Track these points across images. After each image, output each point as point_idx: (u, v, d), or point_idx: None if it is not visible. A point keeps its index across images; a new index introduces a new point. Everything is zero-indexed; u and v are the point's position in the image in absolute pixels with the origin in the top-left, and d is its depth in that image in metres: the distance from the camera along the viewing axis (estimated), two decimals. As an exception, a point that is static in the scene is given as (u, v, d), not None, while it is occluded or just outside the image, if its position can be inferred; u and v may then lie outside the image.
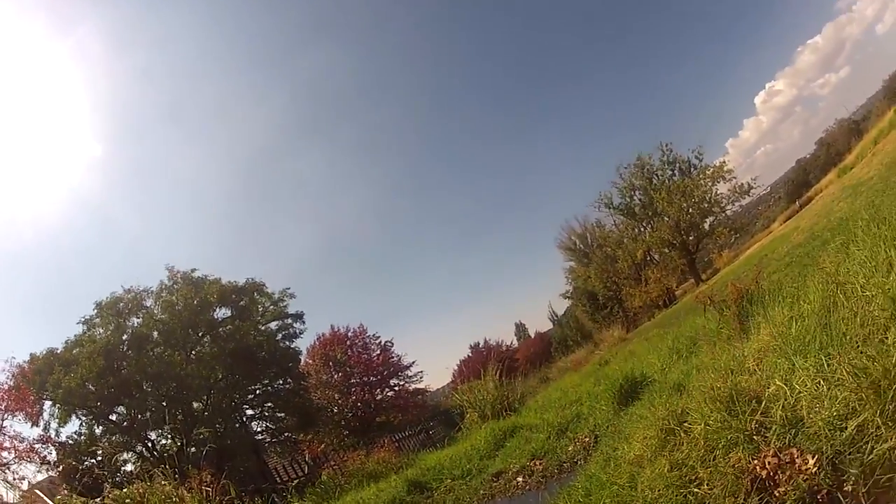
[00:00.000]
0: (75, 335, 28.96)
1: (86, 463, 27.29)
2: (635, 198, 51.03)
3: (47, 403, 27.69)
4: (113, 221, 77.69)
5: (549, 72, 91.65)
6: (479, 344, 59.72)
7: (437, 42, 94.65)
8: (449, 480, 13.59)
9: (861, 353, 5.29)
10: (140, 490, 10.75)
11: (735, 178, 48.05)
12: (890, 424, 4.44)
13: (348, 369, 44.71)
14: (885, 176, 18.49)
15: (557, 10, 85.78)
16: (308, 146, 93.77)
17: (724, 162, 48.76)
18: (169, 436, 29.30)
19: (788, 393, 5.75)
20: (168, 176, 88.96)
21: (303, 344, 38.76)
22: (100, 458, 28.30)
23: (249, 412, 34.99)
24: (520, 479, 12.09)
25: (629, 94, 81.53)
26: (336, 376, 44.41)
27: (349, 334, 46.24)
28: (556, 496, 8.79)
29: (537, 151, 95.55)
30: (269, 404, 34.85)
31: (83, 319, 29.48)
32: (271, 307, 34.89)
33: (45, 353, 27.96)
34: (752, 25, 61.97)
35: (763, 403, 5.90)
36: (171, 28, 78.40)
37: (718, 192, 47.92)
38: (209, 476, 11.63)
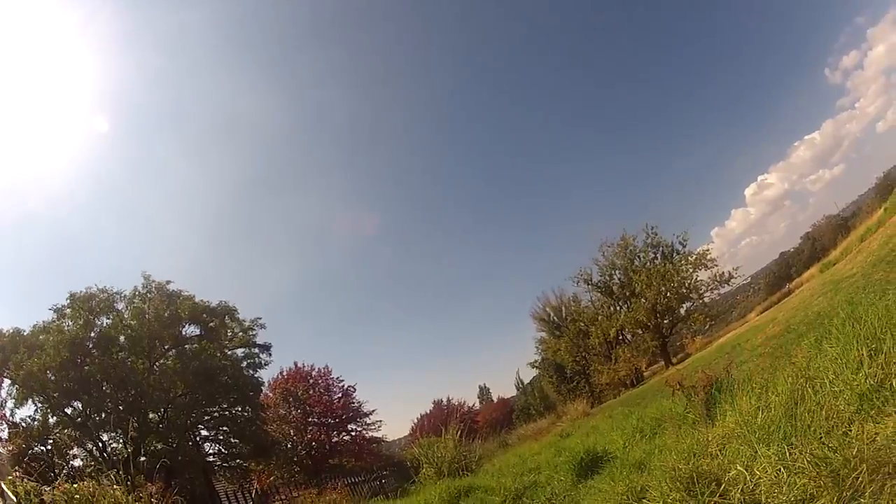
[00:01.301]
0: (44, 321, 28.91)
1: (35, 449, 26.98)
2: (615, 277, 51.25)
3: (7, 381, 27.48)
4: (100, 215, 77.29)
5: (548, 147, 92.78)
6: (442, 401, 59.62)
7: (437, 109, 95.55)
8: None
9: (823, 443, 5.40)
10: (90, 489, 10.58)
11: (717, 266, 48.53)
12: (847, 510, 4.54)
13: (308, 408, 44.53)
14: (868, 273, 18.73)
15: (562, 88, 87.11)
16: (304, 184, 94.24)
17: (708, 250, 48.98)
18: (121, 441, 28.63)
19: (748, 478, 5.83)
20: (161, 180, 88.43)
21: (266, 375, 38.86)
22: (50, 448, 27.96)
23: (204, 433, 34.60)
24: None
25: (621, 177, 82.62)
26: (294, 413, 44.21)
27: (313, 373, 46.24)
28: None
29: (523, 224, 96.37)
30: (225, 429, 34.36)
31: (55, 307, 29.31)
32: (240, 333, 34.90)
33: (11, 331, 27.92)
34: (754, 120, 63.34)
35: (722, 486, 5.96)
36: (188, 29, 78.21)
37: (699, 278, 48.18)
38: (159, 489, 11.48)
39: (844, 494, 4.61)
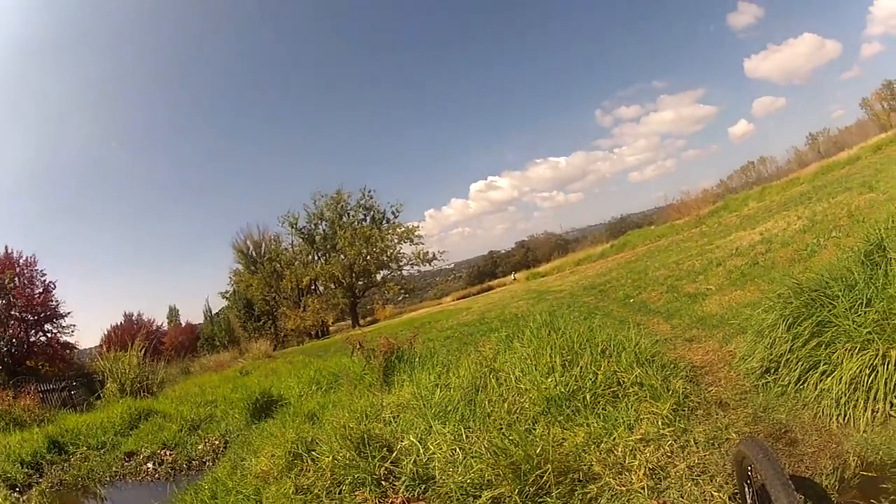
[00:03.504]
0: None
1: None
2: (320, 227, 50.82)
3: None
4: None
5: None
6: (133, 315, 56.16)
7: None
8: (85, 448, 13.25)
9: (504, 435, 5.87)
10: None
11: (423, 244, 50.13)
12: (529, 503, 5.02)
13: (12, 299, 39.50)
14: (577, 294, 20.10)
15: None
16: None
17: (418, 227, 50.55)
18: None
19: (422, 451, 6.23)
20: None
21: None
22: None
23: None
24: (150, 465, 12.09)
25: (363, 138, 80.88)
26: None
27: (21, 261, 40.96)
28: (184, 491, 8.72)
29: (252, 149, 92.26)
30: None
31: None
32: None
33: None
34: (508, 128, 64.43)
35: (394, 454, 6.31)
36: None
37: (402, 250, 49.74)
38: None
39: (527, 489, 5.05)
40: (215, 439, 12.51)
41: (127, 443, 13.45)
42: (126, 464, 12.36)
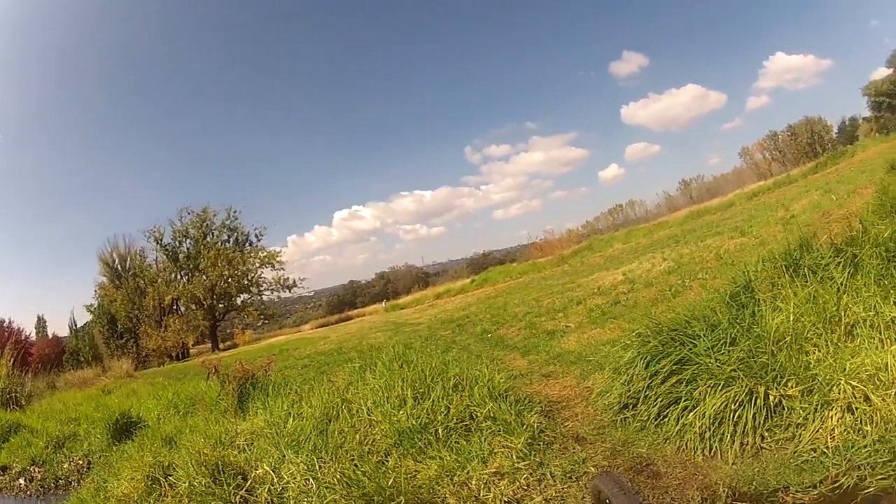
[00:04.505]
0: None
1: None
2: (185, 245, 49.83)
3: None
4: None
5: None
6: (3, 322, 52.62)
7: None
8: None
9: (356, 466, 5.86)
10: None
11: (284, 270, 49.84)
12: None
13: None
14: (435, 328, 20.15)
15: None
16: None
17: (280, 252, 50.28)
18: None
19: (276, 480, 6.14)
20: None
21: None
22: None
23: None
24: (21, 481, 12.39)
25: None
26: None
27: None
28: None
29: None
30: None
31: None
32: None
33: None
34: (378, 158, 63.88)
35: (249, 482, 6.19)
36: None
37: (263, 275, 49.21)
38: None
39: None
40: (79, 459, 12.40)
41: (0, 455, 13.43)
42: (0, 477, 12.59)
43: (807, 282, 6.56)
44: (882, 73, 45.99)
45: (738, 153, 52.21)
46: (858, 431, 4.90)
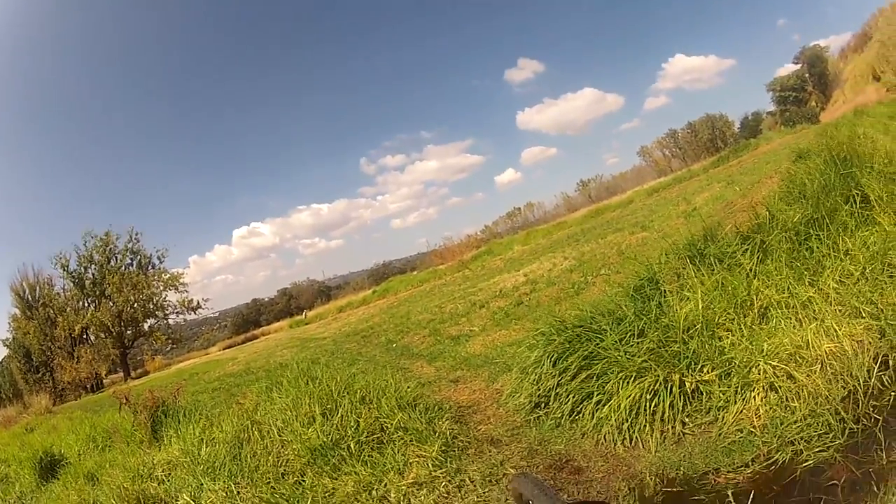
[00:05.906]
0: None
1: None
2: (90, 271, 48.26)
3: None
4: None
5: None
6: None
7: None
8: None
9: (273, 489, 5.87)
10: None
11: (188, 292, 48.98)
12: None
13: None
14: (340, 341, 20.09)
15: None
16: None
17: (183, 273, 49.36)
18: None
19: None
20: None
21: None
22: None
23: None
24: None
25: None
26: None
27: None
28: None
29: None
30: None
31: None
32: None
33: None
34: (269, 175, 62.85)
35: (171, 514, 6.18)
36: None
37: (167, 298, 48.12)
38: None
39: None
40: (14, 501, 11.56)
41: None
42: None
43: (713, 270, 6.74)
44: (789, 69, 48.25)
45: (636, 152, 53.92)
46: (786, 408, 5.00)
